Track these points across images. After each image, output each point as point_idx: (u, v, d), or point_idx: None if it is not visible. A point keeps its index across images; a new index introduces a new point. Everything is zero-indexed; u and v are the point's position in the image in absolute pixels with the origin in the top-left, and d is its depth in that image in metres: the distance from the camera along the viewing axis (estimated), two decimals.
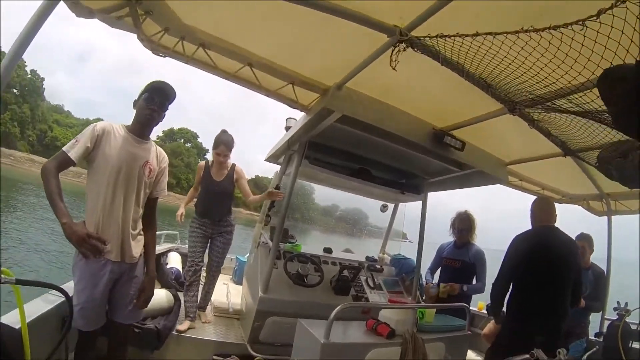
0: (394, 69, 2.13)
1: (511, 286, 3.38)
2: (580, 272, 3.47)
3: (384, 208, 5.75)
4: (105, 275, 2.48)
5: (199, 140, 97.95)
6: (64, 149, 2.38)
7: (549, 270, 3.21)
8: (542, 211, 3.51)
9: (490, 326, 3.68)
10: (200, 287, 4.52)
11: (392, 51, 2.15)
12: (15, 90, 70.80)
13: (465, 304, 3.69)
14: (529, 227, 3.50)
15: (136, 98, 2.67)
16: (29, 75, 73.91)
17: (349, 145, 4.24)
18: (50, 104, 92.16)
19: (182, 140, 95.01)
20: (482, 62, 2.11)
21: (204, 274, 4.66)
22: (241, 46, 2.87)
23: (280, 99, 3.43)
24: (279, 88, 3.26)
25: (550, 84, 2.05)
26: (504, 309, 3.48)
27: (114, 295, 2.62)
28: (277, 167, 5.06)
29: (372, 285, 4.53)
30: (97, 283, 2.46)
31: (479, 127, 3.32)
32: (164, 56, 2.94)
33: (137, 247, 2.67)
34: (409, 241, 5.88)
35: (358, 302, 3.77)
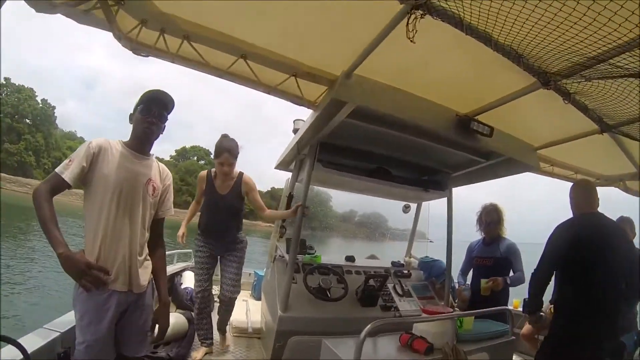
0: (412, 40, 1.84)
1: (557, 283, 3.12)
2: (636, 260, 3.15)
3: (406, 209, 5.43)
4: (112, 308, 2.22)
5: (212, 156, 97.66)
6: (57, 170, 2.14)
7: (603, 262, 2.89)
8: (585, 196, 3.24)
9: (529, 326, 3.52)
10: (215, 311, 4.15)
11: (408, 20, 1.84)
12: (27, 121, 72.91)
13: (507, 307, 3.37)
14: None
15: (131, 111, 2.42)
16: (40, 105, 76.28)
17: (364, 143, 3.92)
18: (63, 132, 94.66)
19: (195, 158, 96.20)
20: (512, 28, 1.86)
21: (216, 298, 4.32)
22: (231, 35, 2.56)
23: (283, 96, 3.12)
24: (280, 82, 2.93)
25: (593, 44, 1.81)
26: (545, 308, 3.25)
27: (122, 327, 2.35)
28: (289, 175, 4.75)
29: (400, 292, 4.19)
30: (103, 317, 2.20)
31: (504, 111, 3.04)
32: (147, 55, 2.64)
33: (145, 275, 2.44)
34: (430, 241, 5.53)
35: (390, 318, 3.41)
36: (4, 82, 73.02)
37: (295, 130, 4.32)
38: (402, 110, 2.82)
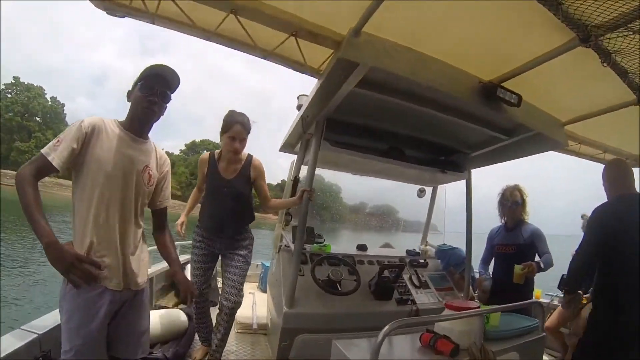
0: None
1: (597, 273, 2.90)
2: None
3: (421, 193, 5.07)
4: (104, 307, 1.96)
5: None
6: (42, 151, 1.87)
7: None
8: (623, 176, 3.07)
9: (553, 318, 3.41)
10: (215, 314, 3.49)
11: None
12: (37, 118, 74.22)
13: (538, 300, 3.05)
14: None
15: (130, 88, 2.12)
16: (50, 103, 77.78)
17: (375, 119, 3.56)
18: None
19: (205, 151, 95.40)
20: None
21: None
22: None
23: (283, 62, 2.79)
24: (278, 45, 2.59)
25: None
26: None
27: (116, 327, 2.09)
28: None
29: (417, 283, 3.90)
30: (94, 318, 1.93)
31: (527, 79, 2.73)
32: (123, 16, 2.31)
33: (142, 269, 2.19)
34: (440, 232, 5.18)
35: (412, 318, 2.98)
36: (14, 82, 74.37)
37: (299, 107, 3.89)
38: (420, 74, 2.46)
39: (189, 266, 5.27)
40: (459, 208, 4.75)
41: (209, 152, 3.47)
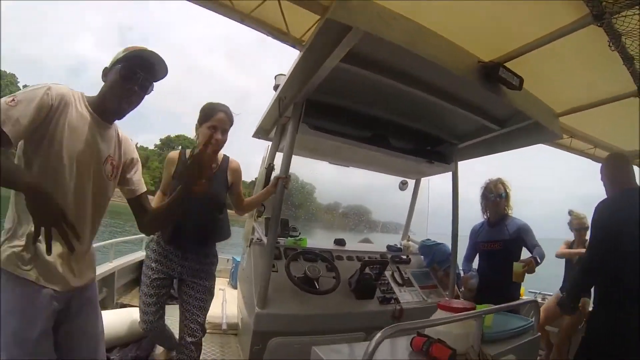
0: None
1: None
2: None
3: (403, 185, 4.84)
4: (48, 308, 1.61)
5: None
6: None
7: None
8: (625, 170, 2.90)
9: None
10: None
11: None
12: None
13: (535, 299, 2.89)
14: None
15: (107, 65, 1.76)
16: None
17: (358, 102, 3.29)
18: None
19: (180, 147, 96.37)
20: None
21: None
22: None
23: (262, 27, 2.50)
24: (257, 5, 2.29)
25: None
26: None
27: (69, 332, 1.76)
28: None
29: (400, 281, 3.67)
30: (35, 320, 1.57)
31: (524, 64, 2.53)
32: None
33: (88, 268, 1.86)
34: (413, 233, 4.97)
35: (409, 322, 2.55)
36: None
37: (276, 87, 3.54)
38: (419, 46, 2.19)
39: None
40: (436, 210, 4.60)
41: (178, 151, 2.84)
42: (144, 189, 2.04)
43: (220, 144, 2.55)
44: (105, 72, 1.74)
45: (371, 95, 3.07)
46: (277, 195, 2.91)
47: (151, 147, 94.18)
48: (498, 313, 2.71)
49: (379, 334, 1.50)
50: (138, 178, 2.01)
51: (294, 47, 2.60)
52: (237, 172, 2.81)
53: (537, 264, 3.45)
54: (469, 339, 2.00)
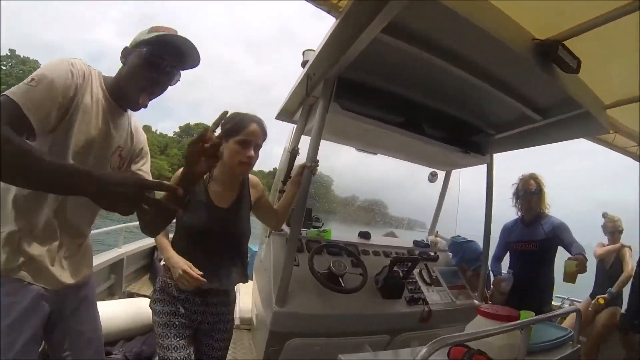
0: None
1: None
2: None
3: (432, 177, 4.54)
4: (37, 310, 1.41)
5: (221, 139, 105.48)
6: (11, 95, 1.19)
7: None
8: None
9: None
10: None
11: None
12: None
13: (577, 307, 2.73)
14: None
15: (128, 45, 1.50)
16: None
17: (393, 81, 2.96)
18: None
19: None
20: None
21: None
22: None
23: None
24: None
25: None
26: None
27: (59, 332, 1.56)
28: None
29: (428, 280, 3.39)
30: (24, 325, 1.36)
31: (577, 46, 2.20)
32: None
33: (85, 262, 1.65)
34: (436, 232, 4.68)
35: (460, 334, 2.08)
36: (9, 54, 73.32)
37: (304, 64, 3.23)
38: (474, 14, 1.89)
39: None
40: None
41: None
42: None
43: (253, 162, 2.04)
44: (126, 53, 1.49)
45: (408, 75, 2.78)
46: (303, 185, 2.55)
47: (170, 134, 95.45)
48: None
49: (424, 350, 1.24)
50: (146, 170, 1.76)
51: (329, 13, 2.31)
52: (259, 186, 2.32)
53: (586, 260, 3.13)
54: (512, 351, 1.77)
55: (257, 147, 2.02)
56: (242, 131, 1.97)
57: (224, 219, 2.05)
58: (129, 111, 1.64)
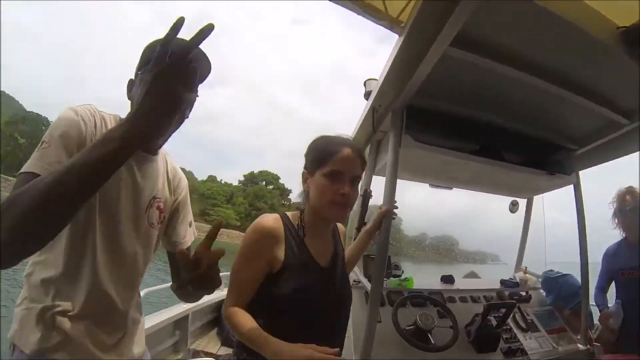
0: None
1: None
2: None
3: (513, 207, 4.06)
4: None
5: (281, 181, 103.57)
6: (31, 170, 1.03)
7: None
8: None
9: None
10: None
11: None
12: None
13: None
14: None
15: (133, 77, 1.31)
16: None
17: (464, 104, 2.66)
18: None
19: (264, 182, 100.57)
20: None
21: None
22: None
23: (354, 5, 1.97)
24: None
25: None
26: None
27: None
28: None
29: (523, 325, 2.96)
30: None
31: None
32: None
33: (140, 339, 1.49)
34: (503, 263, 4.24)
35: None
36: None
37: (367, 95, 2.90)
38: (552, 4, 1.69)
39: None
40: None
41: (273, 215, 1.57)
42: (190, 242, 1.57)
43: (352, 202, 1.53)
44: (131, 86, 1.28)
45: (480, 95, 2.52)
46: (383, 232, 2.14)
47: (235, 183, 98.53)
48: None
49: None
50: (184, 228, 1.55)
51: (390, 29, 2.10)
52: (344, 234, 1.90)
53: None
54: None
55: (354, 179, 1.53)
56: (329, 160, 1.50)
57: (328, 282, 1.57)
58: (163, 154, 1.45)
